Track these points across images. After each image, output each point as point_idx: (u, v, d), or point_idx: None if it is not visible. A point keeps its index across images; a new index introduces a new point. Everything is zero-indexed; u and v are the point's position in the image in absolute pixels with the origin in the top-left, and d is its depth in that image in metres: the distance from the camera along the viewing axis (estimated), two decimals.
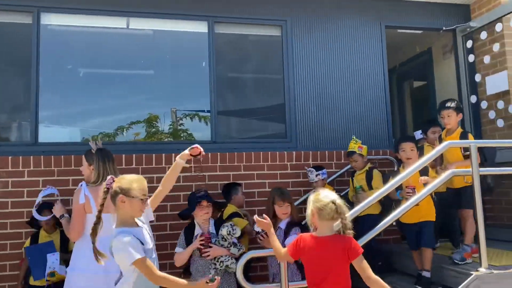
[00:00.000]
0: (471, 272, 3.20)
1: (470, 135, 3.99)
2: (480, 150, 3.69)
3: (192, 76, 4.97)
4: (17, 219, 4.10)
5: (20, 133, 4.46)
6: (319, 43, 5.18)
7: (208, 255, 3.46)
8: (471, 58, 5.52)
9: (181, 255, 3.53)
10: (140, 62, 4.85)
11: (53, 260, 3.63)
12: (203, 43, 4.88)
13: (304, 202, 4.51)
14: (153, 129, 4.84)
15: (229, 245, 3.54)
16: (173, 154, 4.51)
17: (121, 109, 4.80)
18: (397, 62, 7.47)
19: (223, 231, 3.55)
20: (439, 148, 3.41)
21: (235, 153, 4.71)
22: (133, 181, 2.52)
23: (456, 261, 3.54)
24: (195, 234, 3.61)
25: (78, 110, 4.67)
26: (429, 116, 6.29)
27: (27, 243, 3.88)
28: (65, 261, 3.72)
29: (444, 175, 3.43)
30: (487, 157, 3.82)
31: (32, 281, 3.76)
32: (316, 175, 4.45)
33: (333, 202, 2.48)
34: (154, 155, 4.49)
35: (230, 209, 4.25)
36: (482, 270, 3.18)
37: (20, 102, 4.44)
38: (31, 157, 4.20)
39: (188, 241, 3.58)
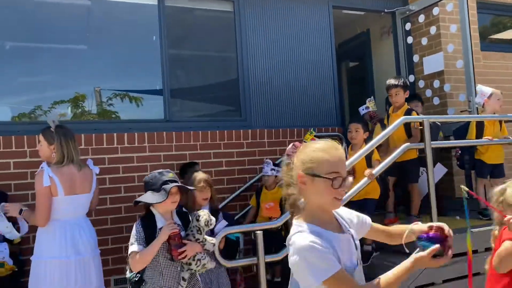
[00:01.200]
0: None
1: (414, 112, 4.27)
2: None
3: (142, 51, 4.71)
4: None
5: None
6: (271, 20, 5.17)
7: (185, 256, 2.55)
8: (409, 39, 5.86)
9: (145, 255, 2.51)
10: (87, 36, 4.48)
11: (1, 249, 3.29)
12: (153, 17, 4.64)
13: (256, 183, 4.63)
14: (99, 107, 4.53)
15: (204, 240, 2.69)
16: (126, 134, 4.31)
17: (64, 86, 4.41)
18: (337, 43, 7.71)
19: (201, 221, 2.67)
20: (396, 124, 3.60)
21: (191, 132, 4.59)
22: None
23: None
24: (159, 226, 2.62)
25: (14, 86, 4.22)
26: (365, 95, 6.62)
27: None
28: (12, 253, 3.43)
29: (398, 150, 3.64)
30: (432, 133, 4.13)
31: None
32: (271, 169, 4.25)
33: None
34: (105, 134, 4.22)
35: None
36: None
37: None
38: None
39: (149, 236, 2.58)
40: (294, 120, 5.14)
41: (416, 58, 5.83)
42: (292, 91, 5.18)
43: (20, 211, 3.01)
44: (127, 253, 2.59)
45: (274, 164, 4.33)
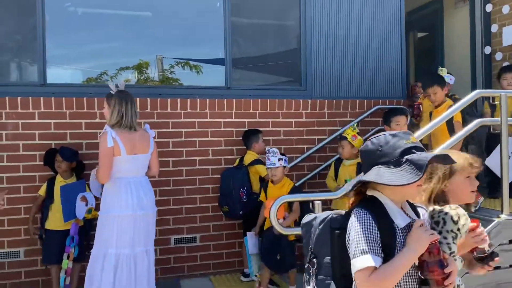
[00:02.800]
0: (493, 219, 3.28)
1: None
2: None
3: (205, 19, 4.73)
4: (29, 162, 3.96)
5: (27, 74, 4.23)
6: None
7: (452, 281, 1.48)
8: (488, 7, 5.39)
9: (390, 276, 1.44)
10: (152, 3, 4.55)
11: (89, 197, 3.65)
12: None
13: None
14: (162, 74, 4.65)
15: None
16: (188, 100, 4.40)
17: (127, 53, 4.55)
18: (405, 11, 7.27)
19: (461, 224, 1.63)
20: (469, 97, 3.36)
21: (250, 100, 4.59)
22: None
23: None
24: (400, 225, 1.54)
25: (85, 51, 4.42)
26: (432, 68, 6.24)
27: (43, 188, 3.78)
28: None
29: (470, 126, 3.42)
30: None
31: (49, 225, 3.72)
32: (279, 160, 3.81)
33: None
34: (169, 99, 4.34)
35: (250, 156, 4.23)
36: (504, 216, 3.26)
37: (27, 42, 4.16)
38: (41, 98, 4.00)
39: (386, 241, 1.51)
40: (356, 92, 4.97)
41: (494, 28, 5.36)
42: (355, 61, 4.98)
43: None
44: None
45: (281, 154, 3.88)
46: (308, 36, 4.82)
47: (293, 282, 3.83)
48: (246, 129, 4.47)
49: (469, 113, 4.01)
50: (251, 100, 4.60)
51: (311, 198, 3.03)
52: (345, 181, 3.89)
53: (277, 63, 5.03)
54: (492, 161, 3.65)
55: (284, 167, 3.83)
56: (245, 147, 4.39)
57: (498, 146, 3.45)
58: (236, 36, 4.69)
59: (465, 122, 3.85)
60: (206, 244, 4.43)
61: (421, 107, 4.67)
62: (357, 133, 4.01)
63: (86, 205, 3.63)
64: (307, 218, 1.78)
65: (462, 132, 3.43)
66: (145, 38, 4.56)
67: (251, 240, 3.79)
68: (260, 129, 4.45)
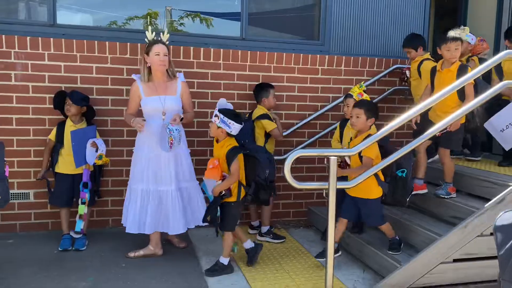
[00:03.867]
0: (509, 184, 3.23)
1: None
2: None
3: None
4: (39, 104, 3.90)
5: (36, 12, 4.07)
6: None
7: None
8: None
9: None
10: None
11: (100, 143, 3.63)
12: None
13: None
14: (173, 25, 4.48)
15: None
16: (202, 49, 4.26)
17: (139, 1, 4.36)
18: None
19: None
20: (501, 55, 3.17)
21: (266, 52, 4.44)
22: None
23: (443, 196, 3.56)
24: None
25: None
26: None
27: (53, 132, 3.73)
28: None
29: (495, 88, 3.27)
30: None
31: (59, 169, 3.70)
32: (214, 115, 3.24)
33: None
34: (182, 47, 4.19)
35: (259, 110, 4.11)
36: None
37: None
38: (51, 39, 3.87)
39: None
40: (375, 49, 4.80)
41: None
42: (375, 18, 4.77)
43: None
44: None
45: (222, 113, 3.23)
46: None
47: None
48: (260, 82, 4.35)
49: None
50: (267, 53, 4.44)
51: (326, 154, 2.97)
52: (350, 139, 3.68)
53: (295, 15, 4.83)
54: (495, 123, 3.47)
55: (219, 127, 3.23)
56: (255, 102, 4.29)
57: (504, 109, 3.33)
58: None
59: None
60: None
61: (407, 73, 4.47)
62: (364, 91, 3.79)
63: (96, 151, 3.59)
64: (506, 219, 1.40)
65: (490, 91, 3.24)
66: None
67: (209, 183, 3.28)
68: (273, 83, 4.32)
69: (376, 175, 3.23)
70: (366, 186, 3.21)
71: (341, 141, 3.98)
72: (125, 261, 3.45)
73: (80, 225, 3.65)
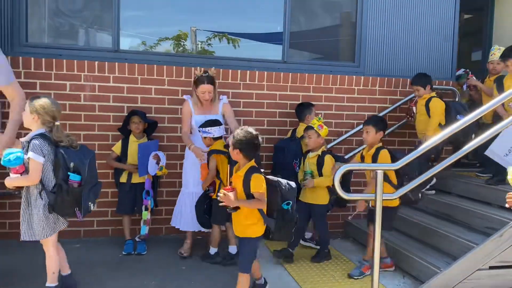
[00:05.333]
0: None
1: None
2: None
3: None
4: (104, 122, 4.33)
5: (102, 40, 4.54)
6: None
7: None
8: None
9: None
10: None
11: (162, 155, 4.05)
12: None
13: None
14: (226, 47, 4.89)
15: None
16: (248, 72, 4.64)
17: (190, 24, 4.79)
18: None
19: None
20: None
21: (305, 74, 4.81)
22: None
23: (356, 277, 3.66)
24: None
25: (156, 20, 4.70)
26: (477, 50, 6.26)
27: (118, 144, 4.14)
28: None
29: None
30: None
31: (123, 179, 4.10)
32: (198, 131, 3.85)
33: None
34: (230, 70, 4.60)
35: (303, 128, 4.43)
36: None
37: (103, 10, 4.45)
38: (116, 63, 4.32)
39: None
40: (407, 71, 5.11)
41: None
42: (407, 40, 5.10)
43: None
44: None
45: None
46: (364, 14, 4.95)
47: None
48: (300, 102, 4.70)
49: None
50: (306, 74, 4.81)
51: (373, 168, 3.28)
52: (305, 173, 4.00)
53: (332, 39, 5.20)
54: (496, 149, 3.64)
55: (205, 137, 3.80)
56: (297, 120, 4.63)
57: (503, 134, 3.48)
58: (295, 12, 4.87)
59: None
60: None
61: (414, 109, 4.70)
62: (323, 123, 3.99)
63: (157, 163, 3.98)
64: None
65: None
66: (207, 12, 4.79)
67: None
68: (313, 103, 4.67)
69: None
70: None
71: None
72: (184, 263, 3.79)
73: (144, 229, 4.03)
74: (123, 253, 3.97)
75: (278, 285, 3.44)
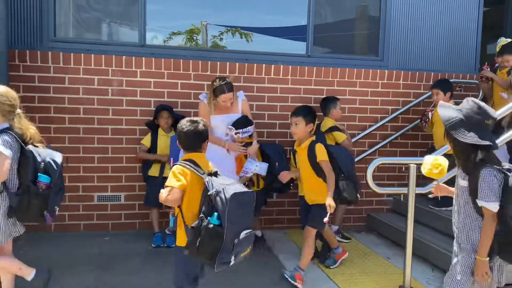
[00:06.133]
0: None
1: None
2: None
3: None
4: (131, 116, 4.37)
5: (128, 34, 4.57)
6: None
7: None
8: None
9: None
10: None
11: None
12: None
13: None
14: (251, 41, 4.90)
15: None
16: (272, 66, 4.66)
17: (216, 19, 4.81)
18: None
19: None
20: None
21: (330, 68, 4.80)
22: None
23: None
24: None
25: (180, 15, 4.72)
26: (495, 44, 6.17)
27: (148, 137, 4.19)
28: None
29: None
30: None
31: (151, 172, 4.15)
32: (236, 133, 3.78)
33: None
34: (255, 65, 4.61)
35: (328, 122, 4.44)
36: None
37: (130, 4, 4.48)
38: (143, 58, 4.35)
39: None
40: (430, 64, 5.09)
41: None
42: (431, 34, 5.06)
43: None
44: None
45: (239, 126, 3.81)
46: (388, 7, 4.93)
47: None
48: (324, 96, 4.70)
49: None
50: (330, 68, 4.81)
51: (406, 162, 3.32)
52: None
53: (356, 33, 5.19)
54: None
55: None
56: (321, 114, 4.63)
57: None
58: (319, 6, 4.86)
59: None
60: (281, 201, 4.78)
61: (430, 115, 4.43)
62: None
63: None
64: None
65: None
66: (231, 6, 4.80)
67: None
68: (338, 97, 4.67)
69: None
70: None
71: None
72: None
73: (173, 221, 4.05)
74: (153, 245, 4.02)
75: (308, 278, 3.47)
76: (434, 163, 2.30)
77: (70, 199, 4.33)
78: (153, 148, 4.14)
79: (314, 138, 3.48)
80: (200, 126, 2.51)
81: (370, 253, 4.09)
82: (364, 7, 5.20)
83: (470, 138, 2.09)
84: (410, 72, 4.99)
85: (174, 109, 4.30)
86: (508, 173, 2.12)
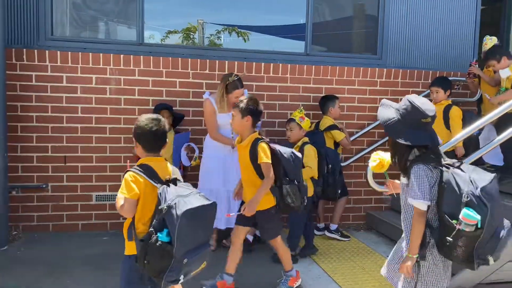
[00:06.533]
0: None
1: None
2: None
3: None
4: (129, 115, 4.33)
5: (126, 33, 4.54)
6: None
7: None
8: None
9: None
10: None
11: (195, 146, 4.06)
12: None
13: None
14: (250, 39, 4.88)
15: None
16: (272, 64, 4.64)
17: (213, 18, 4.79)
18: None
19: None
20: None
21: (328, 66, 4.80)
22: None
23: None
24: None
25: (178, 13, 4.70)
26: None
27: None
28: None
29: None
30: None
31: None
32: None
33: None
34: (254, 63, 4.59)
35: (327, 121, 4.44)
36: None
37: (127, 3, 4.45)
38: (141, 57, 4.32)
39: None
40: (429, 63, 5.09)
41: None
42: (429, 32, 5.06)
43: None
44: None
45: None
46: (387, 6, 4.92)
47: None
48: (323, 95, 4.69)
49: None
50: (329, 67, 4.80)
51: None
52: None
53: (354, 31, 5.19)
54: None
55: None
56: (320, 112, 4.62)
57: None
58: (317, 4, 4.85)
59: None
60: None
61: None
62: (304, 114, 3.96)
63: (188, 154, 4.02)
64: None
65: None
66: (230, 5, 4.78)
67: None
68: (337, 95, 4.66)
69: None
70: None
71: None
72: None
73: None
74: None
75: (309, 276, 3.46)
76: (374, 156, 2.33)
77: (68, 199, 4.30)
78: None
79: (257, 134, 3.06)
80: (164, 126, 2.29)
81: (370, 252, 4.09)
82: (363, 5, 5.20)
83: (404, 138, 2.07)
84: (408, 70, 5.00)
85: (174, 108, 4.27)
86: (447, 169, 2.07)
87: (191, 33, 4.72)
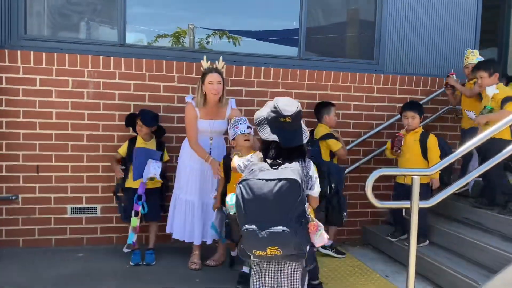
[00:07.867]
0: None
1: None
2: None
3: None
4: (109, 121, 4.02)
5: (107, 33, 4.23)
6: None
7: None
8: None
9: None
10: None
11: (155, 166, 3.64)
12: None
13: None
14: (239, 43, 4.61)
15: None
16: (262, 69, 4.37)
17: (202, 21, 4.50)
18: None
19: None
20: None
21: (323, 71, 4.53)
22: None
23: None
24: None
25: (164, 14, 4.41)
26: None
27: (124, 146, 3.83)
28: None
29: None
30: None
31: (128, 183, 3.78)
32: (248, 127, 3.38)
33: None
34: (244, 67, 4.30)
35: (322, 129, 4.16)
36: None
37: (108, 1, 4.16)
38: (122, 59, 4.02)
39: None
40: (427, 69, 4.86)
41: None
42: (427, 39, 4.84)
43: None
44: None
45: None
46: (384, 11, 4.69)
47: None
48: (317, 101, 4.42)
49: None
50: (324, 72, 4.53)
51: (408, 173, 3.02)
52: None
53: (350, 36, 4.94)
54: None
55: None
56: (314, 120, 4.35)
57: None
58: (311, 7, 4.59)
59: None
60: None
61: (402, 140, 3.98)
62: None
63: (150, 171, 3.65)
64: None
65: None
66: (219, 7, 4.50)
67: None
68: (333, 102, 4.39)
69: None
70: None
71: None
72: (197, 275, 3.50)
73: (132, 237, 3.63)
74: (131, 263, 3.66)
75: None
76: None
77: (40, 212, 3.96)
78: (129, 158, 3.77)
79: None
80: None
81: (367, 270, 3.80)
82: (359, 9, 4.95)
83: (263, 134, 2.28)
84: (406, 76, 4.75)
85: (159, 114, 3.96)
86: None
87: (180, 37, 4.43)
